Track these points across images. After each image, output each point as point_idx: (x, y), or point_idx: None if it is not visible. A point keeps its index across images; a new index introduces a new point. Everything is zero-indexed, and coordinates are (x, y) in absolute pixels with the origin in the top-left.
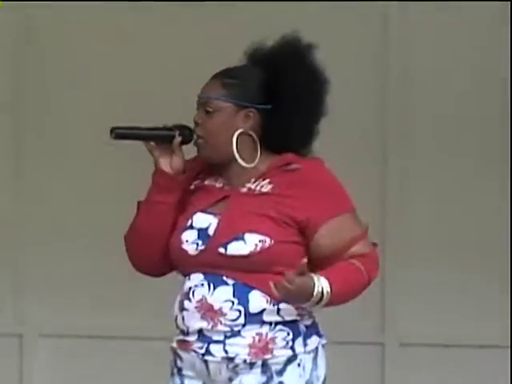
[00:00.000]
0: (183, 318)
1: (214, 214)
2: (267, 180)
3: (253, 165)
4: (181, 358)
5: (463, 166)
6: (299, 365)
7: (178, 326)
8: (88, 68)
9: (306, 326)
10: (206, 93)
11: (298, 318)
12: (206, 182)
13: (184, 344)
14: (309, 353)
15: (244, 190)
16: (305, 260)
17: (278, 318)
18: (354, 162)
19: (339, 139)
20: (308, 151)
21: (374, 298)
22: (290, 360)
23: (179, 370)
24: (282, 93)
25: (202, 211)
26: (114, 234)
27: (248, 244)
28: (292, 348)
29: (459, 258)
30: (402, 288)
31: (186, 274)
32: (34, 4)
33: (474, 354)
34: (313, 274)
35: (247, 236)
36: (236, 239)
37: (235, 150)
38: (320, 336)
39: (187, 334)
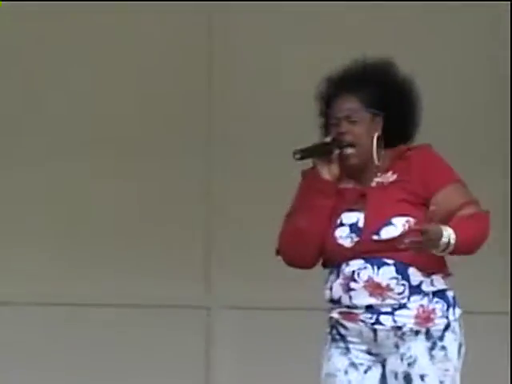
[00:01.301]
0: (350, 297)
1: (359, 210)
2: (390, 172)
3: (380, 162)
4: (345, 327)
5: None
6: (452, 331)
7: (341, 303)
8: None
9: (453, 298)
10: (346, 107)
11: (446, 287)
12: (340, 186)
13: (350, 315)
14: (456, 320)
15: (374, 184)
16: (433, 207)
17: (433, 288)
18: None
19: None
20: (412, 142)
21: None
22: (446, 327)
23: (342, 336)
24: (393, 103)
25: (348, 210)
26: None
27: (397, 226)
28: (447, 317)
29: None
30: None
31: (342, 263)
32: None
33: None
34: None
35: (394, 220)
36: (386, 225)
37: (375, 152)
38: (459, 307)
39: (354, 307)
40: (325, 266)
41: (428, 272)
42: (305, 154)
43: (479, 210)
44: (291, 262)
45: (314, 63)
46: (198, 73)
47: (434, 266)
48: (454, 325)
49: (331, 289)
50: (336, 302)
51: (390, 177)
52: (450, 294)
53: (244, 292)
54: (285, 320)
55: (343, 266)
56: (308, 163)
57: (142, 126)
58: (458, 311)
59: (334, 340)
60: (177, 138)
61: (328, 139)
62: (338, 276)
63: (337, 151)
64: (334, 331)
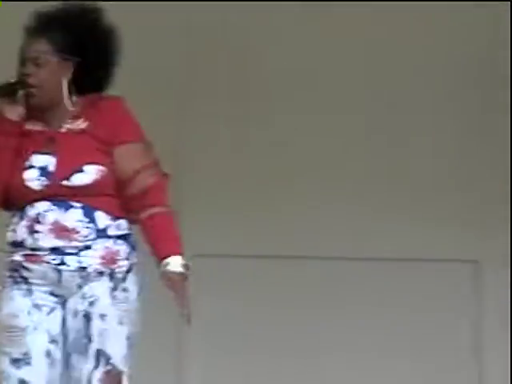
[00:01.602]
0: (35, 240)
1: (49, 154)
2: (81, 119)
3: (72, 108)
4: (29, 270)
5: None
6: (134, 273)
7: (25, 246)
8: None
9: (135, 242)
10: (33, 48)
11: (131, 232)
12: (26, 127)
13: (33, 257)
14: (137, 264)
15: (64, 130)
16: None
17: (118, 232)
18: None
19: None
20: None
21: None
22: (129, 270)
23: (25, 279)
24: (88, 49)
25: (37, 153)
26: None
27: (89, 174)
28: (129, 260)
29: None
30: None
31: (27, 205)
32: None
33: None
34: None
35: (86, 167)
36: (77, 171)
37: (66, 96)
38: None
39: (38, 249)
40: (7, 208)
41: (114, 216)
42: None
43: (155, 172)
44: None
45: None
46: None
47: (118, 210)
48: (135, 268)
49: (15, 231)
50: (19, 245)
51: (81, 124)
52: (132, 238)
53: None
54: None
55: (28, 207)
56: None
57: None
58: (137, 255)
59: (15, 283)
60: None
61: (12, 80)
62: (21, 218)
63: (21, 92)
64: (16, 274)
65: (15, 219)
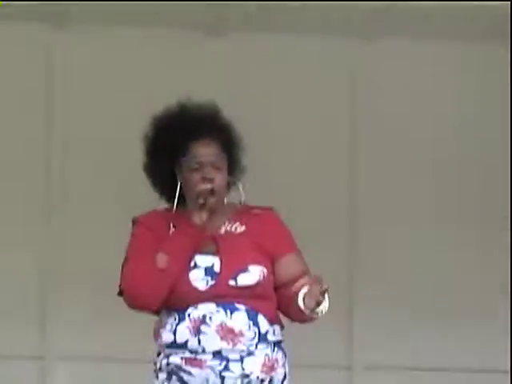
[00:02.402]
0: (199, 341)
1: (212, 254)
2: (238, 222)
3: (226, 209)
4: (190, 373)
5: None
6: (288, 381)
7: (186, 347)
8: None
9: (286, 349)
10: (211, 152)
11: (282, 339)
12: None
13: (195, 361)
14: (289, 373)
15: (222, 231)
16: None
17: (274, 338)
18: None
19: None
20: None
21: (342, 326)
22: (284, 377)
23: (184, 383)
24: (234, 148)
25: (200, 253)
26: None
27: (254, 274)
28: (284, 367)
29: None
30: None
31: (189, 306)
32: None
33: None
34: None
35: (251, 267)
36: (242, 271)
37: (226, 198)
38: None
39: (199, 353)
40: (167, 308)
41: (271, 321)
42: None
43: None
44: (142, 306)
45: None
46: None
47: (275, 315)
48: (288, 376)
49: (175, 332)
50: (179, 347)
51: (239, 227)
52: (283, 345)
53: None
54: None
55: (190, 309)
56: (139, 211)
57: None
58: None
59: None
60: None
61: (202, 188)
62: (181, 319)
63: (212, 200)
64: (175, 377)
65: (170, 320)
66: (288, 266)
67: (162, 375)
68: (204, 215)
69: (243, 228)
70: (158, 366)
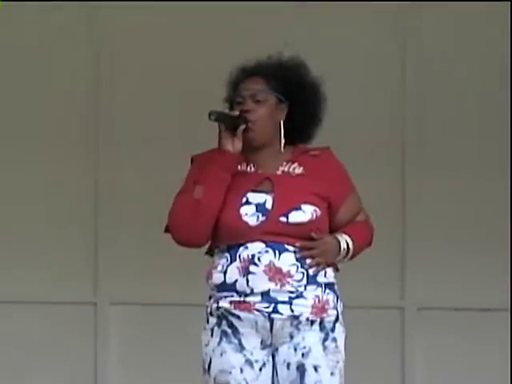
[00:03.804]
0: (248, 281)
1: (266, 192)
2: (296, 163)
3: (283, 150)
4: (238, 318)
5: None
6: (341, 323)
7: (235, 288)
8: None
9: (339, 291)
10: (252, 86)
11: (335, 281)
12: (241, 169)
13: (243, 305)
14: (342, 313)
15: (279, 172)
16: (318, 235)
17: (326, 280)
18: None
19: (362, 141)
20: (311, 142)
21: (395, 267)
22: (336, 319)
23: (235, 328)
24: (298, 99)
25: (253, 191)
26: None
27: (306, 213)
28: (336, 309)
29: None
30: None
31: (239, 244)
32: None
33: (479, 316)
34: (334, 234)
35: (304, 206)
36: (295, 209)
37: (282, 137)
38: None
39: (247, 295)
40: (216, 246)
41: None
42: (219, 117)
43: (367, 217)
44: (185, 238)
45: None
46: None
47: None
48: (341, 317)
49: (225, 272)
50: (228, 287)
51: (297, 168)
52: (337, 287)
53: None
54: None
55: (240, 249)
56: (196, 150)
57: None
58: (341, 305)
59: (225, 334)
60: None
61: (236, 113)
62: (232, 259)
63: (242, 126)
64: (224, 322)
65: (223, 261)
66: (345, 210)
67: (213, 320)
68: (237, 143)
69: (301, 169)
70: (208, 310)
